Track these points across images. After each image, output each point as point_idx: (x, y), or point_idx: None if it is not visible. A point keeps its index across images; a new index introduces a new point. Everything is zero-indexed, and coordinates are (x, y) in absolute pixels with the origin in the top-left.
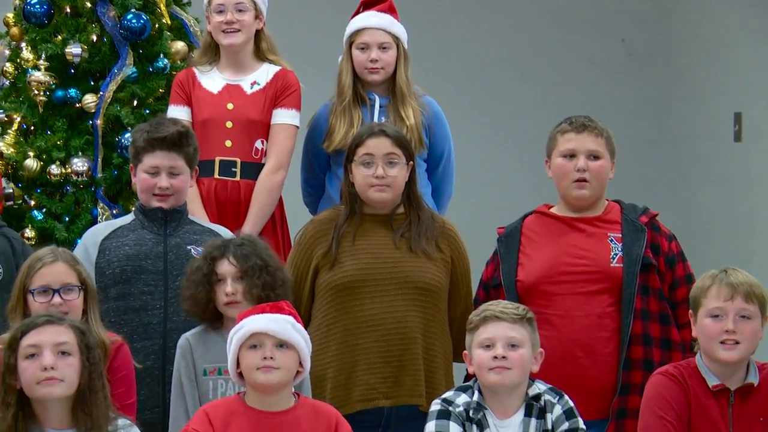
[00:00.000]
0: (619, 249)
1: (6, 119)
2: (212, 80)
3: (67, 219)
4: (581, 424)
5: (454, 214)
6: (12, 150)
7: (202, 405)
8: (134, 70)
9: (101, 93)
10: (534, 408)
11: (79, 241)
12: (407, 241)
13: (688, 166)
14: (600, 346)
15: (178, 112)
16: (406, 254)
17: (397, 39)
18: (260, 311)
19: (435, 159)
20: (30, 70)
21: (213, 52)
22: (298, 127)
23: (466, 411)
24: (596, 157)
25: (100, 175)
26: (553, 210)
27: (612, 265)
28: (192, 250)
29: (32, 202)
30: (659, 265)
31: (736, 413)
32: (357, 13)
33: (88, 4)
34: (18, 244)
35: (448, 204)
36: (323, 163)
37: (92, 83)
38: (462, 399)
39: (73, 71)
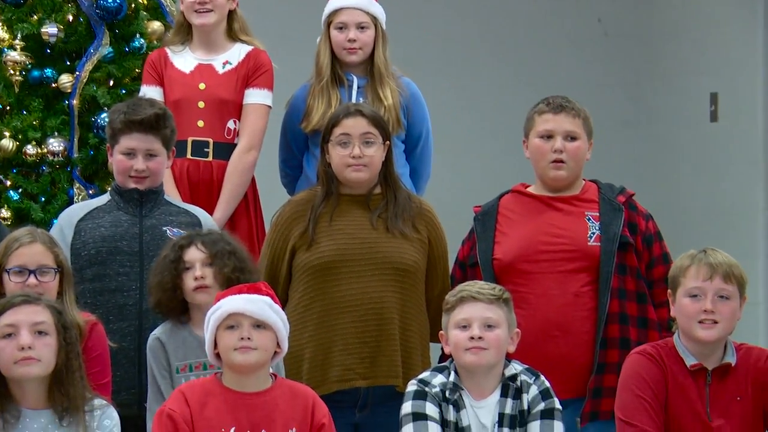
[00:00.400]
0: (597, 228)
1: None
2: (184, 60)
3: (43, 199)
4: (557, 404)
5: (431, 194)
6: None
7: None
8: (110, 50)
9: (77, 73)
10: (510, 388)
11: (55, 221)
12: (384, 222)
13: (665, 146)
14: (577, 324)
15: (150, 92)
16: (383, 235)
17: (375, 19)
18: (237, 292)
19: (413, 140)
20: (6, 49)
21: (185, 32)
22: (270, 106)
23: (443, 391)
24: (573, 138)
25: (76, 155)
26: (530, 189)
27: (589, 243)
28: (168, 231)
29: (8, 182)
30: (636, 244)
31: (713, 393)
32: None
33: None
34: None
35: (426, 185)
36: (301, 143)
37: (68, 63)
38: (438, 379)
39: (49, 51)
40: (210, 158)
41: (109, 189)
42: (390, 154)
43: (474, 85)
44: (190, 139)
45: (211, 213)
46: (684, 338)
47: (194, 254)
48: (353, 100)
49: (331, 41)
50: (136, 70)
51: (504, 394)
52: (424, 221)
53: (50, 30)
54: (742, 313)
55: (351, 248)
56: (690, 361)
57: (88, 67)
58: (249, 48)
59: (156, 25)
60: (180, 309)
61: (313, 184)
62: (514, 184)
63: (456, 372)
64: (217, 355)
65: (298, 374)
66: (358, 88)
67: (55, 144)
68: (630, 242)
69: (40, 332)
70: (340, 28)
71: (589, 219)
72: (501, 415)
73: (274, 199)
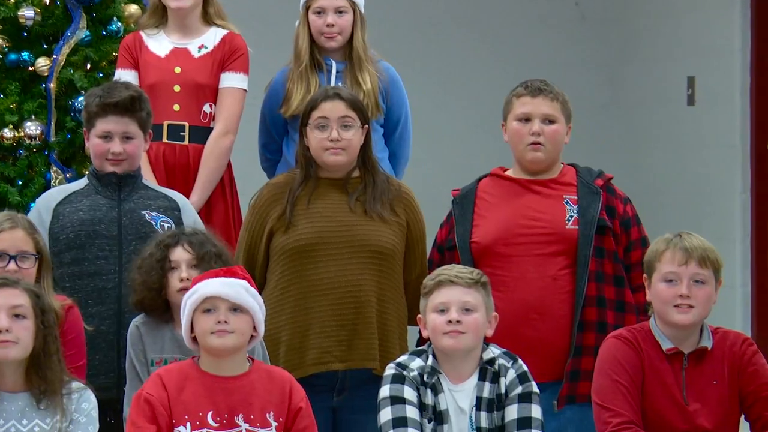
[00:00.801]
0: (575, 211)
1: None
2: (159, 44)
3: (20, 183)
4: (534, 388)
5: (409, 178)
6: None
7: None
8: (87, 33)
9: (54, 56)
10: (488, 372)
11: (32, 205)
12: (362, 205)
13: (642, 129)
14: (554, 308)
15: (125, 75)
16: (361, 218)
17: (353, 3)
18: (214, 275)
19: (392, 124)
20: None
21: (160, 15)
22: (246, 90)
23: (421, 375)
24: (551, 121)
25: (53, 138)
26: (508, 173)
27: (567, 227)
28: (146, 215)
29: None
30: (614, 227)
31: (689, 377)
32: None
33: None
34: None
35: (405, 169)
36: (281, 128)
37: (45, 46)
38: (416, 363)
39: (25, 34)
40: (186, 142)
41: (87, 173)
42: (368, 138)
43: (452, 69)
44: (165, 123)
45: (187, 197)
46: (660, 322)
47: (180, 254)
48: (332, 84)
49: (310, 26)
50: (114, 54)
51: (482, 378)
52: (402, 204)
53: (27, 13)
54: (719, 297)
55: (328, 231)
56: (666, 345)
57: (65, 50)
58: (224, 32)
59: (133, 9)
60: (163, 308)
61: (292, 168)
62: (492, 168)
63: (434, 356)
64: (194, 339)
65: (275, 357)
66: (337, 72)
67: (32, 127)
68: (608, 226)
69: (17, 315)
70: (319, 13)
71: (567, 202)
72: (479, 399)
73: (250, 183)
